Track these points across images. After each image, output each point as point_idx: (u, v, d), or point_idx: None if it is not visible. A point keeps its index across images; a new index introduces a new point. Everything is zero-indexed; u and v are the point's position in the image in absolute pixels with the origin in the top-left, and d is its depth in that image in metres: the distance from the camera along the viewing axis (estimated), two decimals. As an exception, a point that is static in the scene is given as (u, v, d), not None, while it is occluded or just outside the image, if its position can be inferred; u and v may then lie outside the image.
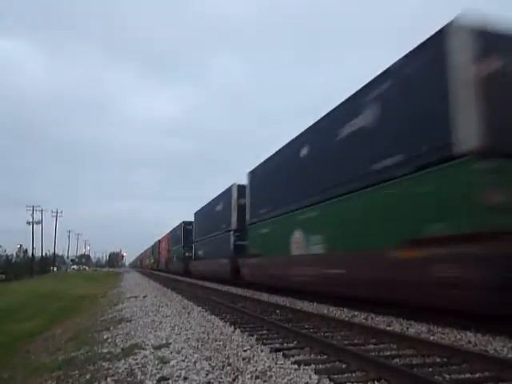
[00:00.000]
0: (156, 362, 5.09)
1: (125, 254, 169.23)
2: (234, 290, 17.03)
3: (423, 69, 7.51)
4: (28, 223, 63.15)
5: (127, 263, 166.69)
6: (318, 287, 10.96)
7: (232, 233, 19.57)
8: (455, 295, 6.42)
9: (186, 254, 32.38)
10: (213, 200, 24.08)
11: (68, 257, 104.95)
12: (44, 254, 73.18)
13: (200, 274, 26.47)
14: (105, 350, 6.21)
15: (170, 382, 4.29)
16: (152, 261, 57.60)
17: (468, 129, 6.40)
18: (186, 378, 4.35)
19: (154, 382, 4.33)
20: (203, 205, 26.95)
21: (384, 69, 8.69)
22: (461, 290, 6.29)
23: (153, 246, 59.18)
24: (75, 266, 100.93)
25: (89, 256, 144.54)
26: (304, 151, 12.28)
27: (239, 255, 18.15)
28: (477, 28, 6.57)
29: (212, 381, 4.25)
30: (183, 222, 35.29)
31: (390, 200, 8.19)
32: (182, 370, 4.65)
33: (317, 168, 11.40)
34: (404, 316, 8.03)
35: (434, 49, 7.24)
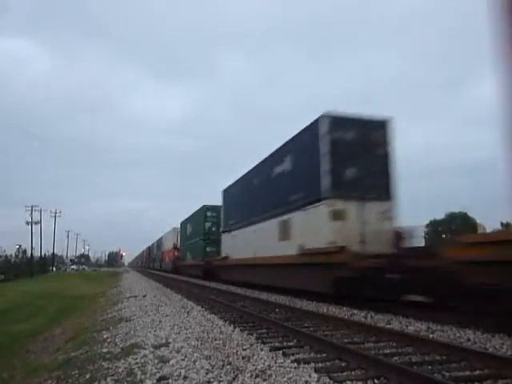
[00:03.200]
0: (156, 361, 5.09)
1: (124, 254, 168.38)
2: (233, 288, 17.05)
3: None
4: (27, 223, 62.70)
5: (126, 263, 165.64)
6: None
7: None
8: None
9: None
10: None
11: (67, 257, 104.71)
12: (43, 255, 72.79)
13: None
14: (104, 350, 6.21)
15: (169, 381, 4.29)
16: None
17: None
18: (185, 377, 4.35)
19: (154, 381, 4.33)
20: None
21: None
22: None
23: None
24: (74, 266, 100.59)
25: (88, 256, 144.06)
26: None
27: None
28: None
29: (212, 380, 4.25)
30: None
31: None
32: (181, 369, 4.65)
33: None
34: (403, 314, 8.06)
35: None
